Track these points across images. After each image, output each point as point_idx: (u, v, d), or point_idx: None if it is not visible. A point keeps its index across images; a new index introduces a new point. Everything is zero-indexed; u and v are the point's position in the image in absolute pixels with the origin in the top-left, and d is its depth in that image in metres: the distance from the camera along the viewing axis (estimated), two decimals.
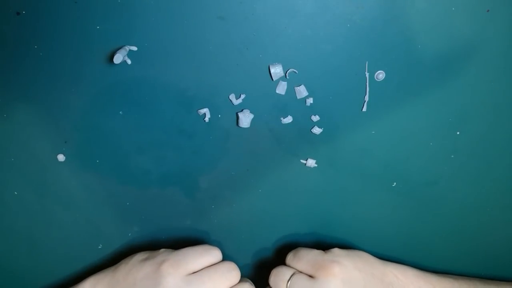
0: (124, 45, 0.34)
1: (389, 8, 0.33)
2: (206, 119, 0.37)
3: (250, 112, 0.37)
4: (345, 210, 0.41)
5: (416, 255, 0.40)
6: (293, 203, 0.40)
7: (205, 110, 0.37)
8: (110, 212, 0.40)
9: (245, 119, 0.36)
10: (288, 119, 0.37)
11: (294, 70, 0.35)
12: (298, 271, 0.35)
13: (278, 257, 0.42)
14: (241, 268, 0.35)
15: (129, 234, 0.41)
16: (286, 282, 0.34)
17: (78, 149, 0.38)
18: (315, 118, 0.37)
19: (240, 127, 0.37)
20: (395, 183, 0.40)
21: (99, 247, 0.41)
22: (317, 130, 0.37)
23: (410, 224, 0.41)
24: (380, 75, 0.35)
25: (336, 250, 0.36)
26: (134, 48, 0.34)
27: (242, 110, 0.37)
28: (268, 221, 0.41)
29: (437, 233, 0.42)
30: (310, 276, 0.34)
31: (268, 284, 0.36)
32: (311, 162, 0.38)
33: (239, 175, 0.39)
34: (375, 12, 0.33)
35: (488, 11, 0.34)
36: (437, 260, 0.42)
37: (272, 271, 0.36)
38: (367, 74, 0.36)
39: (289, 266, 0.36)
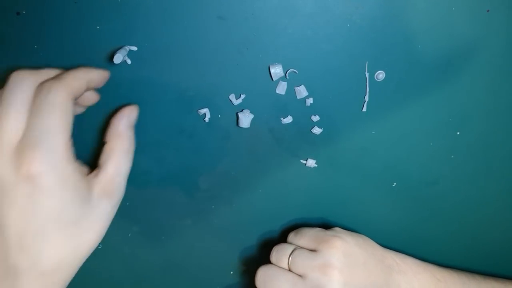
0: (124, 45, 0.34)
1: (389, 8, 0.33)
2: (206, 119, 0.37)
3: (250, 112, 0.37)
4: (345, 210, 0.41)
5: (416, 255, 0.40)
6: (293, 203, 0.40)
7: (205, 110, 0.37)
8: None
9: (245, 119, 0.36)
10: (288, 119, 0.37)
11: (294, 70, 0.35)
12: (299, 247, 0.35)
13: None
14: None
15: (129, 234, 0.41)
16: (288, 256, 0.34)
17: (79, 149, 0.38)
18: (315, 118, 0.37)
19: (240, 127, 0.37)
20: (395, 183, 0.40)
21: (99, 247, 0.41)
22: (317, 130, 0.37)
23: (410, 224, 0.41)
24: (380, 75, 0.35)
25: (338, 229, 0.36)
26: (134, 48, 0.34)
27: (242, 110, 0.37)
28: (268, 221, 0.41)
29: (436, 233, 0.42)
30: (312, 251, 0.34)
31: (270, 262, 0.36)
32: (311, 162, 0.38)
33: (239, 175, 0.39)
34: (375, 12, 0.33)
35: (488, 11, 0.34)
36: (437, 259, 0.42)
37: (274, 247, 0.36)
38: (367, 74, 0.36)
39: (291, 243, 0.36)
